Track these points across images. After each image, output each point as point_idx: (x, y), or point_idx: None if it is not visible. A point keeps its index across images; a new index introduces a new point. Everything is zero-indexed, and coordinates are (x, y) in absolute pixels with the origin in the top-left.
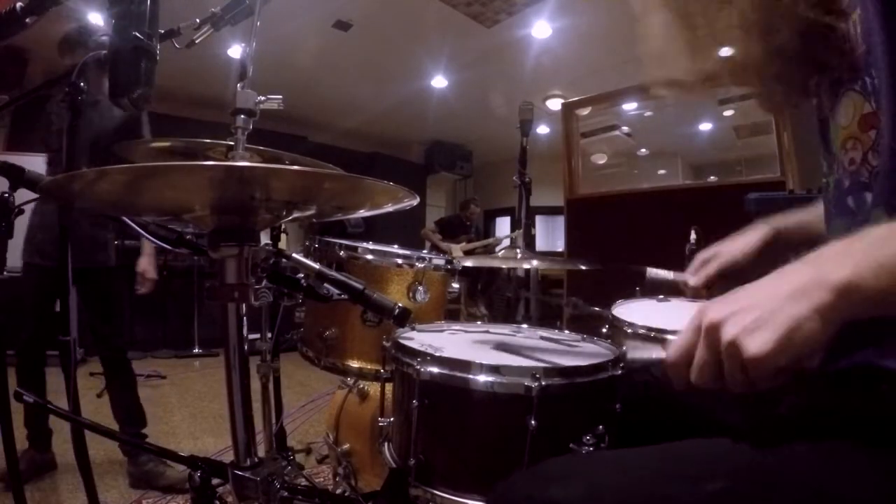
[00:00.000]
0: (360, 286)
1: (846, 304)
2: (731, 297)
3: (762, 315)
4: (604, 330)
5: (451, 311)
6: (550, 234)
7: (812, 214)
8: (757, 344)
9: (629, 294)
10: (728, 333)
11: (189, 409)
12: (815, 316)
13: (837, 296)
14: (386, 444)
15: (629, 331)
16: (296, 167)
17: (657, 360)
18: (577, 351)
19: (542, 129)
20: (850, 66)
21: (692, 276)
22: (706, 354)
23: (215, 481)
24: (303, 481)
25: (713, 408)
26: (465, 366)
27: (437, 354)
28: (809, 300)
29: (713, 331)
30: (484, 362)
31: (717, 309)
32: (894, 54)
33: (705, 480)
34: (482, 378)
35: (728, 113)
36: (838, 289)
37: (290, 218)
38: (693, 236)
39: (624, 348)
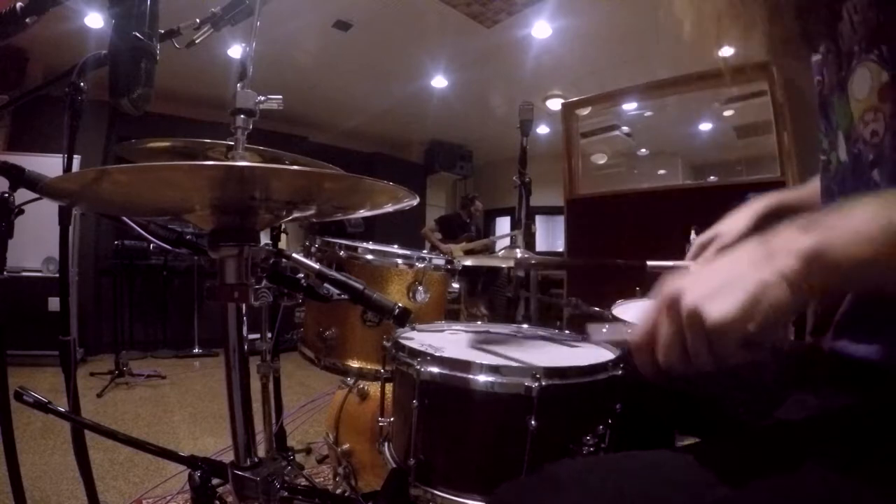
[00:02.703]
0: (360, 286)
1: (814, 270)
2: (694, 269)
3: (724, 280)
4: (604, 330)
5: (451, 311)
6: (550, 234)
7: (807, 191)
8: (719, 309)
9: (629, 294)
10: (688, 301)
11: (189, 409)
12: (780, 281)
13: (804, 261)
14: (386, 444)
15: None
16: (296, 167)
17: (622, 341)
18: (577, 351)
19: (542, 129)
20: (866, 35)
21: (692, 262)
22: (668, 328)
23: (215, 481)
24: (303, 481)
25: (715, 410)
26: (465, 366)
27: (437, 354)
28: (774, 265)
29: (674, 302)
30: (484, 362)
31: (678, 281)
32: None
33: (708, 487)
34: (482, 378)
35: (728, 113)
36: (804, 254)
37: (290, 218)
38: (693, 236)
39: (587, 331)
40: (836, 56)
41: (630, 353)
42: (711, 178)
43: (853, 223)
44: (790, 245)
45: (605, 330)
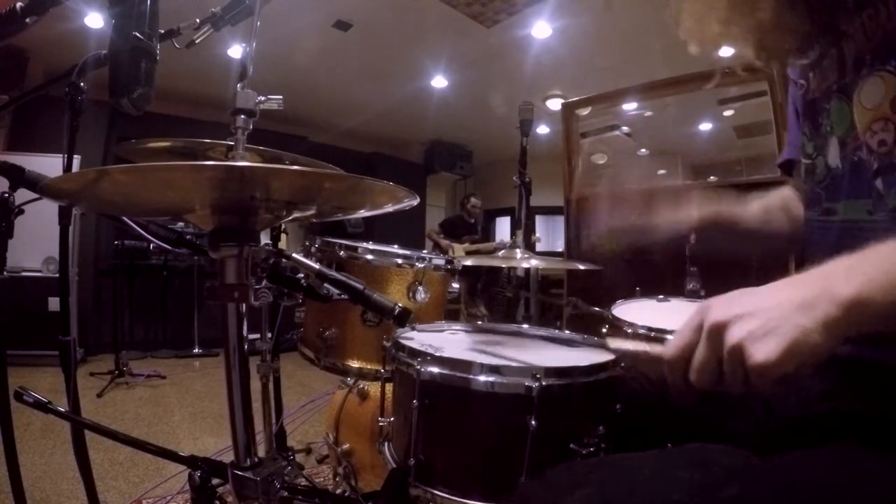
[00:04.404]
0: (360, 286)
1: (853, 319)
2: (735, 297)
3: (768, 323)
4: (604, 330)
5: (451, 311)
6: (550, 235)
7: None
8: (763, 352)
9: (629, 294)
10: (733, 337)
11: (189, 409)
12: (821, 329)
13: (845, 310)
14: (386, 444)
15: (629, 331)
16: (296, 167)
17: (643, 353)
18: (577, 351)
19: (542, 129)
20: (882, 45)
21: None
22: (707, 355)
23: (215, 481)
24: (303, 481)
25: (716, 409)
26: (466, 366)
27: (437, 354)
28: (816, 313)
29: (717, 332)
30: (484, 362)
31: (721, 309)
32: None
33: (719, 487)
34: (482, 378)
35: (728, 113)
36: (846, 304)
37: (290, 218)
38: (693, 236)
39: (606, 340)
40: (837, 61)
41: (631, 363)
42: (711, 178)
43: (892, 269)
44: (832, 293)
45: (626, 346)
